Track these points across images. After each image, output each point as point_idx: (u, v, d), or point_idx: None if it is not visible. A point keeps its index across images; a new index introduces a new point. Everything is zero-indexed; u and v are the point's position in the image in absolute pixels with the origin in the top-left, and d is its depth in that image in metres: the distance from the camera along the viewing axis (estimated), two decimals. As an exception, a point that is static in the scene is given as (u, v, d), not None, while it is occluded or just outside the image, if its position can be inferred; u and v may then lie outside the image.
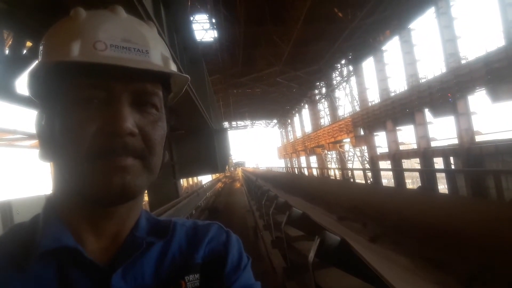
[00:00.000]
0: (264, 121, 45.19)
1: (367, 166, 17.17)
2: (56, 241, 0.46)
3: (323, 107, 25.64)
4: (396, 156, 13.88)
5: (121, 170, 0.45)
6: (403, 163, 14.21)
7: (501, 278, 2.79)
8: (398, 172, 12.60)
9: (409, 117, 12.49)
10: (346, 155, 21.93)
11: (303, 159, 30.32)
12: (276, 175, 19.34)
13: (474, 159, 9.35)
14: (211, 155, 7.21)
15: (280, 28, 13.91)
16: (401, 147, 14.31)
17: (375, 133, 15.77)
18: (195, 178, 27.48)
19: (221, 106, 21.94)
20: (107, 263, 0.49)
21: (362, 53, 16.60)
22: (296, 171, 24.17)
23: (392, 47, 27.75)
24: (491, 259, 2.97)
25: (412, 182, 20.93)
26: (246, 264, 0.59)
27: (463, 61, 9.96)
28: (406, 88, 12.86)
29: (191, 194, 8.49)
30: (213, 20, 14.42)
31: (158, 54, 0.50)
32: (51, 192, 0.54)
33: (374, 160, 15.90)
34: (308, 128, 28.97)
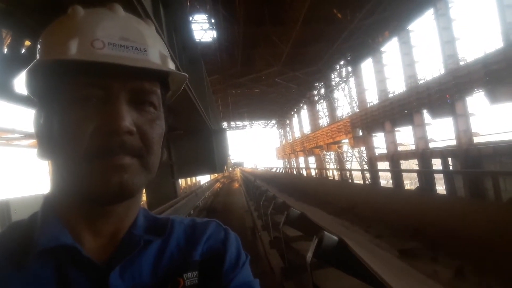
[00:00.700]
0: (263, 121, 45.20)
1: (366, 167, 17.20)
2: (54, 239, 0.46)
3: (321, 107, 25.69)
4: (395, 157, 13.90)
5: (119, 169, 0.45)
6: (401, 164, 14.23)
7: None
8: (397, 173, 12.63)
9: (407, 118, 12.52)
10: (345, 156, 21.96)
11: (301, 159, 30.34)
12: (274, 176, 19.33)
13: (472, 160, 9.38)
14: (209, 155, 7.19)
15: (279, 28, 13.92)
16: (400, 148, 14.33)
17: (373, 134, 15.79)
18: (193, 178, 27.46)
19: (220, 106, 21.93)
20: (105, 261, 0.49)
21: (361, 54, 16.63)
22: (295, 172, 24.17)
23: (391, 48, 27.83)
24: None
25: (411, 183, 20.96)
26: (245, 261, 0.59)
27: (461, 63, 9.99)
28: (404, 89, 12.89)
29: (190, 194, 8.48)
30: (212, 20, 14.43)
31: (156, 53, 0.50)
32: (49, 190, 0.53)
33: (372, 161, 15.92)
34: (307, 129, 29.02)
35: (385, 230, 4.73)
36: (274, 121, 44.57)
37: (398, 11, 12.40)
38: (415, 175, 14.09)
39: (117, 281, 0.48)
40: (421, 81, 11.95)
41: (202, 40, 15.19)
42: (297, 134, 33.13)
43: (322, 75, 21.70)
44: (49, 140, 0.48)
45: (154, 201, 6.57)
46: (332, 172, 15.44)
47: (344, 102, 21.04)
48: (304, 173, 20.58)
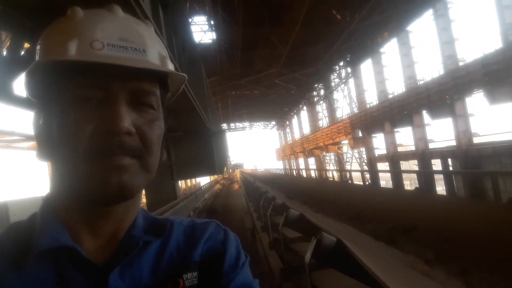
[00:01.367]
0: (262, 122, 45.19)
1: (366, 167, 17.19)
2: (53, 240, 0.46)
3: (321, 108, 25.67)
4: (394, 158, 13.89)
5: (118, 170, 0.45)
6: (401, 165, 14.23)
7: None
8: (396, 174, 12.62)
9: (407, 119, 12.51)
10: (345, 157, 21.95)
11: (301, 160, 30.32)
12: (274, 177, 19.31)
13: (472, 160, 9.38)
14: (209, 156, 7.18)
15: (278, 29, 13.94)
16: (399, 149, 14.33)
17: (373, 135, 15.79)
18: (193, 180, 27.45)
19: (219, 107, 21.93)
20: (104, 262, 0.49)
21: (360, 55, 16.63)
22: (295, 173, 24.16)
23: (390, 49, 27.83)
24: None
25: (410, 183, 20.94)
26: (244, 262, 0.60)
27: (460, 63, 9.99)
28: (404, 90, 12.89)
29: (189, 195, 8.46)
30: (212, 22, 14.45)
31: (155, 53, 0.50)
32: (49, 191, 0.54)
33: (372, 161, 15.92)
34: (307, 130, 29.01)
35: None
36: (273, 122, 44.56)
37: (397, 12, 12.42)
38: (415, 175, 14.06)
39: (117, 282, 0.48)
40: (421, 82, 11.95)
41: (201, 41, 15.21)
42: (297, 135, 33.12)
43: (322, 76, 21.71)
44: (49, 141, 0.48)
45: (154, 203, 6.56)
46: (332, 173, 15.43)
47: (344, 103, 21.06)
48: (304, 174, 20.56)
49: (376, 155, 15.79)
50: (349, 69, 18.94)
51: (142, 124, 0.49)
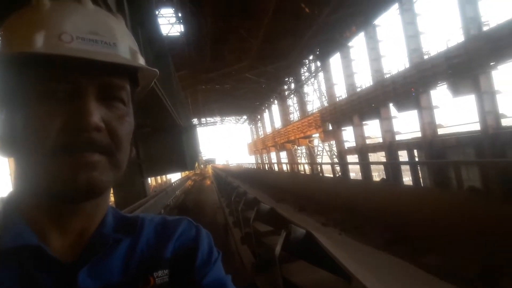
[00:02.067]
0: (234, 117, 45.13)
1: (336, 160, 17.55)
2: (18, 239, 0.45)
3: (292, 102, 25.95)
4: (363, 150, 14.27)
5: (87, 166, 0.44)
6: (369, 157, 14.64)
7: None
8: (365, 166, 12.96)
9: (374, 111, 12.85)
10: (316, 150, 22.32)
11: (273, 154, 30.55)
12: (246, 171, 19.36)
13: (436, 151, 9.79)
14: (179, 152, 7.08)
15: (248, 22, 13.86)
16: (368, 141, 14.72)
17: (343, 128, 16.13)
18: (164, 177, 27.17)
19: (189, 102, 21.61)
20: (73, 261, 0.48)
21: (329, 49, 16.88)
22: (266, 167, 24.31)
23: (358, 43, 28.45)
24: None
25: (379, 175, 21.64)
26: (217, 258, 0.60)
27: (425, 57, 10.33)
28: (371, 84, 13.21)
29: (160, 192, 8.29)
30: (179, 14, 14.11)
31: (126, 47, 0.49)
32: (12, 189, 0.52)
33: (342, 154, 16.27)
34: (278, 124, 29.24)
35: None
36: (245, 117, 44.59)
37: (363, 6, 12.66)
38: (383, 167, 14.54)
39: (86, 281, 0.47)
40: (387, 75, 12.28)
41: (169, 34, 14.83)
42: (269, 129, 33.32)
43: (292, 70, 21.89)
44: (11, 137, 0.47)
45: (122, 201, 6.46)
46: (303, 167, 15.63)
47: (314, 96, 21.37)
48: (276, 168, 20.73)
49: (346, 148, 16.16)
50: (318, 63, 19.18)
51: (111, 119, 0.48)
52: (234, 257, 5.03)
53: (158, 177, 25.61)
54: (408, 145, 11.36)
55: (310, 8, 13.57)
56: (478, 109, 8.45)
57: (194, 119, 32.84)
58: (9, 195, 0.52)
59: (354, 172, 20.10)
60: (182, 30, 14.80)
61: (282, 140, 24.61)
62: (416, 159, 11.28)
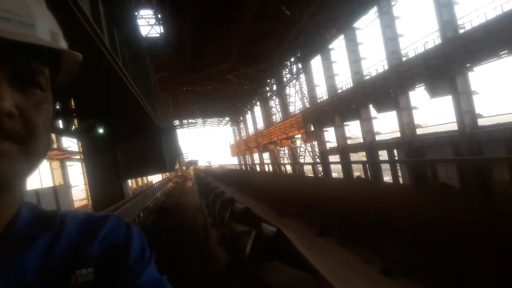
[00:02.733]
0: (216, 118, 44.87)
1: (318, 160, 17.68)
2: None
3: (274, 104, 26.01)
4: (344, 150, 14.43)
5: None
6: (351, 157, 14.81)
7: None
8: (346, 165, 13.09)
9: (355, 112, 13.04)
10: (298, 151, 22.42)
11: (256, 156, 30.52)
12: (227, 172, 19.27)
13: (415, 150, 10.00)
14: (158, 154, 6.95)
15: (229, 24, 13.79)
16: (349, 142, 14.89)
17: (324, 129, 16.29)
18: (145, 179, 26.76)
19: (170, 103, 21.33)
20: None
21: (310, 51, 17.02)
22: (249, 168, 24.25)
23: (338, 45, 28.72)
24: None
25: (361, 174, 21.95)
26: (150, 258, 0.57)
27: (404, 59, 10.55)
28: (351, 85, 13.37)
29: (138, 195, 8.11)
30: (159, 16, 13.90)
31: (45, 29, 0.45)
32: None
33: (324, 154, 16.40)
34: (261, 125, 29.23)
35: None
36: (227, 118, 44.41)
37: (343, 9, 12.82)
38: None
39: None
40: (367, 77, 12.47)
41: (148, 35, 14.58)
42: (251, 131, 33.30)
43: (274, 72, 21.95)
44: None
45: (99, 203, 6.32)
46: (285, 167, 15.66)
47: (296, 98, 21.48)
48: (258, 169, 20.68)
49: (328, 148, 16.30)
50: (300, 65, 19.30)
51: (27, 106, 0.44)
52: (212, 258, 4.95)
53: (139, 180, 25.20)
54: (388, 145, 11.56)
55: (291, 11, 13.65)
56: (455, 110, 8.67)
57: (175, 121, 32.49)
58: None
59: (336, 172, 20.30)
60: (162, 31, 14.59)
61: (265, 141, 24.64)
62: (396, 159, 11.48)
